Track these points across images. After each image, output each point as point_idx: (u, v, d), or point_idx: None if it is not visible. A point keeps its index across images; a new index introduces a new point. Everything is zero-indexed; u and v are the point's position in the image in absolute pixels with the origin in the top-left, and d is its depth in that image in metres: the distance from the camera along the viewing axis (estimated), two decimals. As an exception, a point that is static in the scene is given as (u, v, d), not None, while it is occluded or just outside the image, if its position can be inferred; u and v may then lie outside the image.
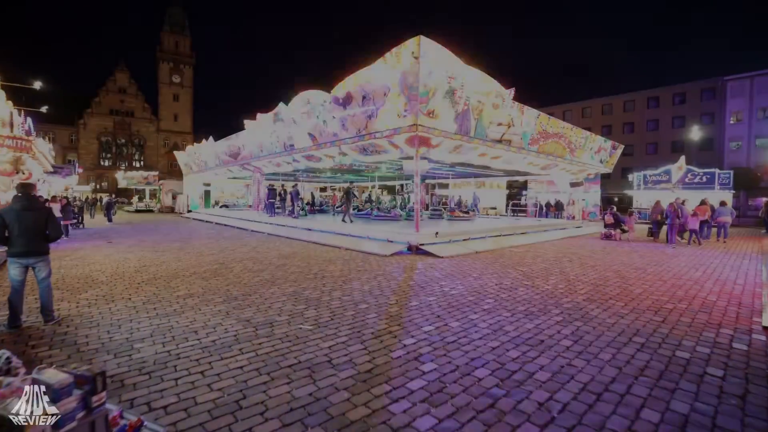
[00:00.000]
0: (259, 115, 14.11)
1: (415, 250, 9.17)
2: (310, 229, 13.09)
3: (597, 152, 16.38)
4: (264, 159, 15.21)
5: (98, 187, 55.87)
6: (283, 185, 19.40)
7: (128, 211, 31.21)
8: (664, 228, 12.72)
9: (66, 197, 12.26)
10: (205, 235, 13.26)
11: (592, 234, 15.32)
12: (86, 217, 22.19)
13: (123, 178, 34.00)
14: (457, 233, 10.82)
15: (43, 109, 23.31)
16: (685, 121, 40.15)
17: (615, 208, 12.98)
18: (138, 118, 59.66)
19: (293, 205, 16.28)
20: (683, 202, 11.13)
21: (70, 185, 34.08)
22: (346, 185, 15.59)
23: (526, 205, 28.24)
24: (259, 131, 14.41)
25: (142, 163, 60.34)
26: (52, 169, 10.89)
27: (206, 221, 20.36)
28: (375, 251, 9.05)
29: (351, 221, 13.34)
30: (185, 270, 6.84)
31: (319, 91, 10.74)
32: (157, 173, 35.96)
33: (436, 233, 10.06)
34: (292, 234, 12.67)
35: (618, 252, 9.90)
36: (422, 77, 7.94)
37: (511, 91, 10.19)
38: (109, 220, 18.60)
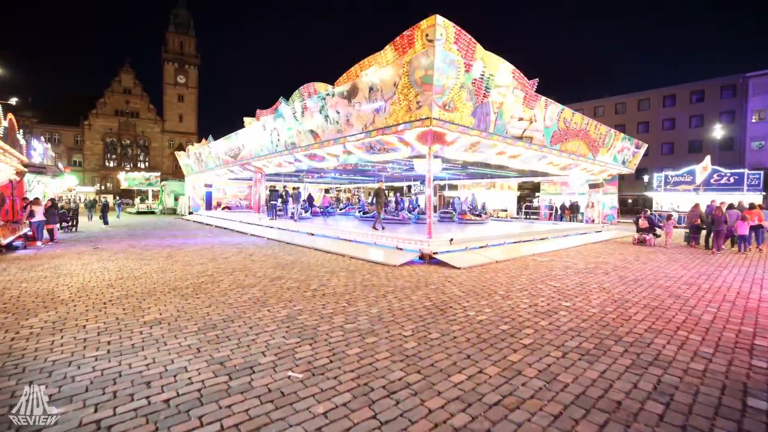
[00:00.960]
0: (259, 113, 13.26)
1: (428, 259, 8.19)
2: (312, 234, 12.19)
3: (620, 152, 15.25)
4: (264, 159, 14.35)
5: (103, 188, 55.71)
6: (284, 186, 18.52)
7: (130, 213, 30.64)
8: (702, 233, 11.61)
9: (52, 199, 11.49)
10: (200, 240, 12.41)
11: (616, 239, 14.21)
12: (84, 219, 21.61)
13: (125, 179, 33.47)
14: (473, 239, 9.82)
15: (12, 101, 22.34)
16: (704, 120, 38.66)
17: (649, 211, 11.89)
18: (143, 119, 59.43)
19: (296, 207, 15.39)
20: (731, 206, 10.01)
21: (73, 186, 33.67)
22: (376, 185, 13.72)
23: (538, 208, 27.14)
24: (259, 129, 13.54)
25: (147, 164, 60.11)
26: (25, 169, 10.09)
27: (206, 224, 19.59)
28: (383, 260, 8.09)
29: (382, 228, 11.35)
30: (166, 284, 5.94)
31: (322, 84, 9.83)
32: (159, 174, 35.39)
33: (451, 240, 9.07)
34: (294, 239, 11.77)
35: (656, 261, 8.82)
36: (438, 64, 6.97)
37: (534, 82, 9.18)
38: (105, 222, 17.89)
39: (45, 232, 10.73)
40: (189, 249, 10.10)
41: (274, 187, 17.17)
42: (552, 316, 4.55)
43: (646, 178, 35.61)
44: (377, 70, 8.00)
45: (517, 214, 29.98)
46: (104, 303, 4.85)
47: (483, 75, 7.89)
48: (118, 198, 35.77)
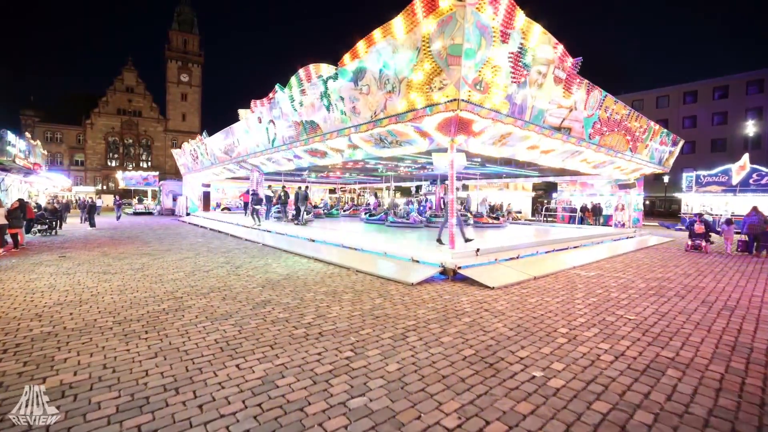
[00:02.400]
0: (254, 103, 11.84)
1: (451, 275, 6.68)
2: (313, 240, 10.73)
3: (657, 149, 13.61)
4: (261, 155, 12.94)
5: (105, 188, 54.84)
6: (284, 186, 17.10)
7: (126, 214, 29.45)
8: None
9: (20, 199, 10.17)
10: (186, 246, 11.01)
11: (656, 245, 12.56)
12: (76, 221, 20.41)
13: (122, 178, 32.32)
14: (501, 249, 8.30)
15: None
16: (727, 117, 36.71)
17: (704, 215, 10.31)
18: (145, 118, 58.58)
19: (297, 209, 13.92)
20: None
21: (70, 186, 32.67)
22: (464, 191, 9.89)
23: (555, 210, 25.50)
24: (254, 122, 12.13)
25: (149, 163, 59.22)
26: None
27: (201, 226, 18.24)
28: (397, 276, 6.59)
29: (466, 239, 8.45)
30: (114, 313, 4.50)
31: (323, 65, 8.38)
32: (157, 173, 34.22)
33: (477, 250, 7.56)
34: (292, 246, 10.31)
35: (728, 276, 7.23)
36: (468, 30, 5.48)
37: (578, 61, 7.65)
38: (92, 225, 16.60)
39: (8, 237, 9.41)
40: (169, 257, 8.70)
41: (255, 191, 15.08)
42: (660, 380, 3.02)
43: (666, 178, 33.74)
44: (390, 42, 6.52)
45: (533, 215, 28.38)
46: (4, 351, 3.40)
47: (522, 48, 6.37)
48: (117, 198, 34.78)
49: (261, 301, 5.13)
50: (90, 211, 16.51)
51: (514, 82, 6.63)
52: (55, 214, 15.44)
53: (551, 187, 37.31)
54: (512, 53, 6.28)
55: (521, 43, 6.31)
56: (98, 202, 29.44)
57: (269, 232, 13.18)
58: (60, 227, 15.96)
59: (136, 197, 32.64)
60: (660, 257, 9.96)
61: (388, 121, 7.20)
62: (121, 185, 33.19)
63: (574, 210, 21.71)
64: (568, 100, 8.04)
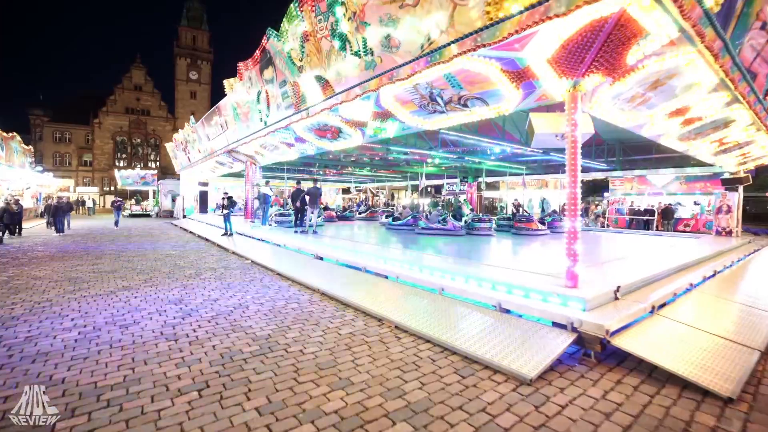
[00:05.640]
0: (241, 67, 8.62)
1: (599, 349, 3.24)
2: (321, 258, 7.43)
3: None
4: (252, 139, 9.72)
5: (113, 188, 53.12)
6: (267, 181, 13.85)
7: (123, 216, 26.89)
8: None
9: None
10: (146, 264, 7.88)
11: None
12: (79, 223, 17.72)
13: (119, 177, 29.89)
14: (642, 285, 4.79)
15: None
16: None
17: None
18: (154, 117, 56.77)
19: (299, 213, 10.65)
20: None
21: (65, 186, 30.52)
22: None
23: (605, 212, 21.67)
24: (242, 93, 8.94)
25: (158, 163, 57.35)
26: None
27: (190, 232, 15.23)
28: (486, 355, 3.18)
29: None
30: None
31: (336, -26, 5.05)
32: (155, 172, 31.71)
33: (617, 290, 4.09)
34: (290, 267, 7.04)
35: None
36: None
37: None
38: (58, 230, 13.75)
39: None
40: (98, 289, 5.53)
41: (227, 194, 11.64)
42: None
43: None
44: None
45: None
46: None
47: None
48: (115, 200, 32.41)
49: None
50: (54, 213, 13.65)
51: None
52: (13, 218, 12.73)
53: (590, 186, 33.12)
54: None
55: None
56: (89, 204, 26.99)
57: (266, 242, 9.98)
58: (18, 233, 13.22)
59: (134, 198, 30.13)
60: None
61: (457, 48, 3.81)
62: (119, 185, 30.78)
63: (641, 212, 17.92)
64: (771, 19, 4.50)
